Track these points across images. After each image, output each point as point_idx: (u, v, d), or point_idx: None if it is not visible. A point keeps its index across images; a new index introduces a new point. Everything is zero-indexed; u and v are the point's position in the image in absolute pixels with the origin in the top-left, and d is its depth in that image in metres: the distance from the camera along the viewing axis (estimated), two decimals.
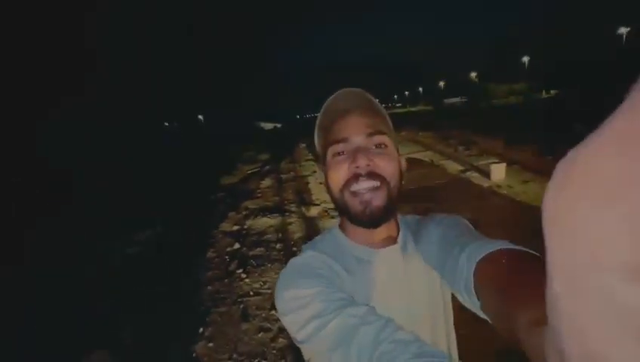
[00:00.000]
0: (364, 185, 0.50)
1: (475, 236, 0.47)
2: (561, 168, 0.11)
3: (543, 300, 0.13)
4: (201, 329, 2.39)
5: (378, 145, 0.53)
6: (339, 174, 0.52)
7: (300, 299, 0.44)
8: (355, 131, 0.52)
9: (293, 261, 0.53)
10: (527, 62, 53.55)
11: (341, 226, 0.61)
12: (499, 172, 5.33)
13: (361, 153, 0.51)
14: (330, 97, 0.55)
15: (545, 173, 5.36)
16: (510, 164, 5.95)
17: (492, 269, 0.36)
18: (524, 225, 3.51)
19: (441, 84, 78.16)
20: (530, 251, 0.37)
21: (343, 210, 0.54)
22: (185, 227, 4.59)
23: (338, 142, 0.53)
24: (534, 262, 0.34)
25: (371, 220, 0.52)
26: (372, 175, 0.51)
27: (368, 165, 0.51)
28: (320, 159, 0.59)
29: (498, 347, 1.91)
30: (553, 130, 8.00)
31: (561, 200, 0.11)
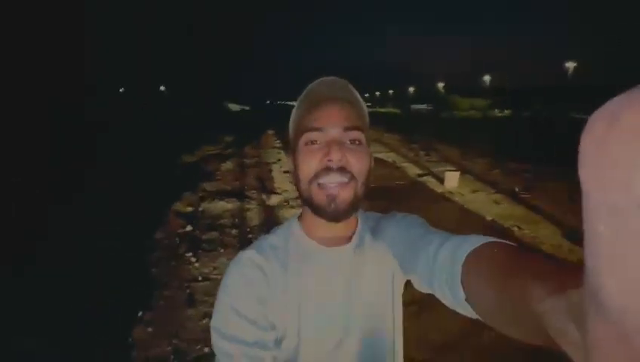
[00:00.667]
0: (333, 178, 0.49)
1: (443, 233, 0.47)
2: (598, 117, 0.13)
3: (557, 273, 0.17)
4: (140, 313, 2.24)
5: (353, 141, 0.52)
6: (310, 164, 0.51)
7: (224, 340, 0.48)
8: (332, 122, 0.51)
9: (232, 269, 0.54)
10: (488, 81, 57.63)
11: (301, 217, 0.60)
12: (453, 179, 5.68)
13: (335, 146, 0.49)
14: (315, 82, 0.53)
15: (493, 184, 5.84)
16: (464, 172, 6.38)
17: (484, 260, 0.36)
18: (470, 231, 3.81)
19: (411, 89, 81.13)
20: (512, 243, 0.38)
21: (307, 200, 0.53)
22: (136, 205, 4.26)
23: (313, 130, 0.51)
24: (524, 251, 0.35)
25: (334, 215, 0.51)
26: (342, 170, 0.50)
27: (340, 160, 0.49)
28: (290, 143, 0.57)
29: (435, 339, 2.05)
30: (504, 146, 8.73)
31: (601, 145, 0.12)
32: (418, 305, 2.20)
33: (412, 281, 0.51)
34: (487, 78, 57.99)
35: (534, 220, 4.23)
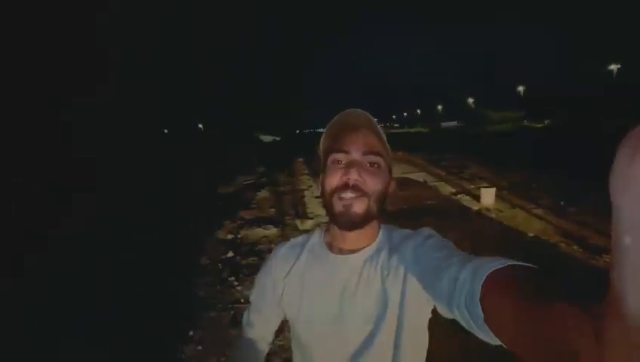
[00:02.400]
0: (349, 194, 0.59)
1: (467, 255, 0.48)
2: (633, 134, 0.14)
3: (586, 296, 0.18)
4: (191, 333, 2.44)
5: (372, 164, 0.61)
6: (333, 180, 0.61)
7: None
8: (356, 147, 0.60)
9: (273, 251, 0.75)
10: (522, 91, 55.28)
11: (326, 228, 0.71)
12: (489, 196, 5.49)
13: (354, 167, 0.58)
14: (343, 112, 0.63)
15: (533, 199, 5.55)
16: (500, 188, 6.14)
17: (508, 282, 0.36)
18: (512, 248, 3.66)
19: (439, 107, 79.96)
20: (536, 266, 0.38)
21: (328, 209, 0.63)
22: (182, 234, 4.65)
23: (339, 152, 0.61)
24: (549, 273, 0.35)
25: (348, 223, 0.59)
26: (357, 188, 0.58)
27: (357, 179, 0.58)
28: (321, 161, 0.68)
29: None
30: (542, 158, 8.29)
31: (631, 168, 0.13)
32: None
33: (436, 304, 0.51)
34: (521, 88, 55.82)
35: (582, 235, 3.96)
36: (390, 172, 0.65)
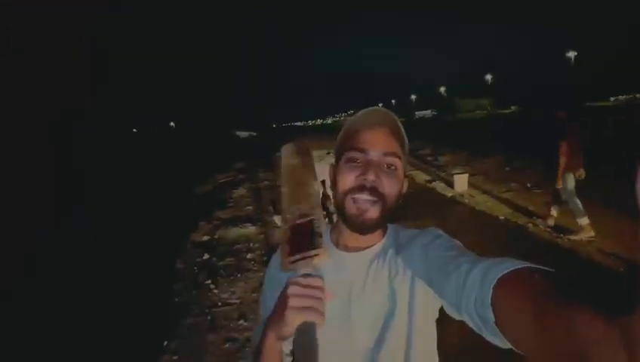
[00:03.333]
0: (364, 196, 0.56)
1: (477, 257, 0.47)
2: None
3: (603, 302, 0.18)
4: (165, 342, 2.33)
5: (389, 166, 0.58)
6: (347, 179, 0.57)
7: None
8: (375, 146, 0.57)
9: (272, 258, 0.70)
10: (490, 80, 57.44)
11: (333, 226, 0.67)
12: (461, 182, 5.66)
13: (373, 168, 0.56)
14: (366, 109, 0.60)
15: (504, 183, 5.78)
16: (473, 174, 6.35)
17: (521, 284, 0.35)
18: (485, 232, 3.78)
19: (413, 97, 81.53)
20: (548, 269, 0.37)
21: (339, 209, 0.60)
22: (154, 238, 4.45)
23: (357, 150, 0.58)
24: (564, 277, 0.34)
25: (361, 227, 0.57)
26: (374, 191, 0.56)
27: (374, 181, 0.56)
28: (334, 157, 0.64)
29: None
30: (513, 143, 8.63)
31: None
32: None
33: (444, 305, 0.51)
34: (488, 77, 57.91)
35: (547, 215, 4.17)
36: (405, 174, 0.63)
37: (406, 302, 0.56)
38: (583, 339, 0.25)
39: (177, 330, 2.48)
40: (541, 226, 3.82)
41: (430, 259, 0.53)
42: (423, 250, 0.56)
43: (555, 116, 3.79)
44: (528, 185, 5.38)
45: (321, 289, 0.44)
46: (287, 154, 0.65)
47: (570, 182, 3.52)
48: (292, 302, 0.42)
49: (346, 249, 0.62)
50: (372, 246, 0.61)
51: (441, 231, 0.61)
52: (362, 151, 0.57)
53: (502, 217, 4.27)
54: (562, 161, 3.54)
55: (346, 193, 0.57)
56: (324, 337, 0.57)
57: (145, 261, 3.70)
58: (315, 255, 0.49)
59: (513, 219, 4.14)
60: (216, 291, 2.97)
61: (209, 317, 2.60)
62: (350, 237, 0.61)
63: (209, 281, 3.14)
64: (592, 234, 3.40)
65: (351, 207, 0.57)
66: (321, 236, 0.51)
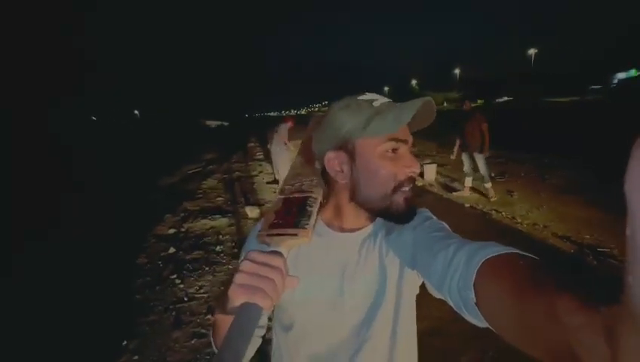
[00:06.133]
0: (409, 187, 0.55)
1: (464, 239, 0.48)
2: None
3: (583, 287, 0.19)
4: (124, 342, 2.18)
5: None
6: (393, 173, 0.53)
7: None
8: (409, 137, 0.57)
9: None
10: (458, 74, 59.56)
11: (327, 206, 0.63)
12: (430, 172, 5.83)
13: (416, 160, 0.56)
14: (417, 99, 0.53)
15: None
16: (442, 164, 6.55)
17: (504, 268, 0.36)
18: (452, 219, 3.91)
19: (386, 89, 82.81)
20: (534, 256, 0.37)
21: (386, 207, 0.54)
22: (115, 232, 4.15)
23: (400, 141, 0.54)
24: (547, 265, 0.35)
25: (409, 217, 0.56)
26: (413, 181, 0.57)
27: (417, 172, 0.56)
28: (348, 143, 0.55)
29: None
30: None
31: None
32: None
33: (426, 285, 0.53)
34: (457, 71, 59.93)
35: (509, 202, 4.39)
36: None
37: (395, 282, 0.57)
38: (564, 326, 0.25)
39: (138, 329, 2.32)
40: (503, 213, 4.02)
41: (419, 239, 0.54)
42: (414, 230, 0.56)
43: (462, 106, 4.80)
44: (492, 175, 5.64)
45: (278, 270, 0.39)
46: (318, 122, 0.61)
47: (466, 159, 4.56)
48: (238, 278, 0.38)
49: (341, 230, 0.61)
50: (365, 227, 0.61)
51: (430, 213, 0.62)
52: (405, 142, 0.55)
53: (467, 205, 4.44)
54: (458, 142, 4.55)
55: (396, 188, 0.54)
56: (313, 316, 0.59)
57: (104, 257, 3.44)
58: (294, 235, 0.45)
59: (479, 206, 4.32)
60: (182, 286, 2.82)
61: (174, 313, 2.46)
62: (345, 219, 0.61)
63: (174, 276, 2.98)
64: (468, 194, 4.68)
65: (400, 202, 0.54)
66: (309, 218, 0.49)
